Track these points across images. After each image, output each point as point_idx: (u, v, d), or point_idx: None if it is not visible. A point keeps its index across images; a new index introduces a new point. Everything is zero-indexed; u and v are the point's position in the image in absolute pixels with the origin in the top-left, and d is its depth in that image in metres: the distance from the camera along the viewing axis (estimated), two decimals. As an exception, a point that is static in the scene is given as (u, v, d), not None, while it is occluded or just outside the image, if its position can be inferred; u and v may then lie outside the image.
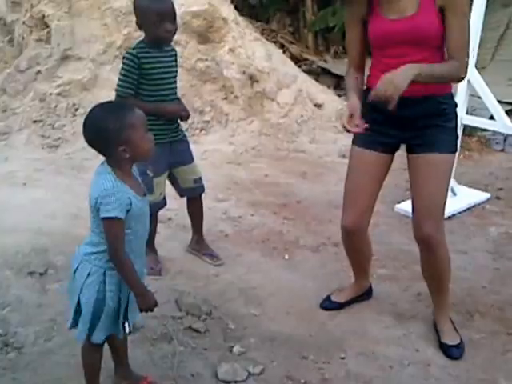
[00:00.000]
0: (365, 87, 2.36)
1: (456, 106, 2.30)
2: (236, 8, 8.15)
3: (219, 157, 4.57)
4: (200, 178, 2.96)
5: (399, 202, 3.83)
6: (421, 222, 2.30)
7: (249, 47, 5.46)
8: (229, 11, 5.53)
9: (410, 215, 3.71)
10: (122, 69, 2.59)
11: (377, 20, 2.19)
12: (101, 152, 1.74)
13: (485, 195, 4.07)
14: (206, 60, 5.28)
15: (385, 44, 2.19)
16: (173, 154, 2.79)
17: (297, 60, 7.69)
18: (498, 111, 3.63)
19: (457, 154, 3.84)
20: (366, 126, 2.15)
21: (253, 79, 5.35)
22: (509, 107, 5.95)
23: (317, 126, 5.26)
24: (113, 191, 1.66)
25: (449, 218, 3.68)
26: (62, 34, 5.02)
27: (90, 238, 1.75)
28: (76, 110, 4.90)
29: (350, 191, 2.45)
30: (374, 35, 2.22)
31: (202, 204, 3.04)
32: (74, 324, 1.79)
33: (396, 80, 2.00)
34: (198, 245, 3.10)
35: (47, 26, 4.99)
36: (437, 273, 2.44)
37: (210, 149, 4.70)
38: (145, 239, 1.87)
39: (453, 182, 3.98)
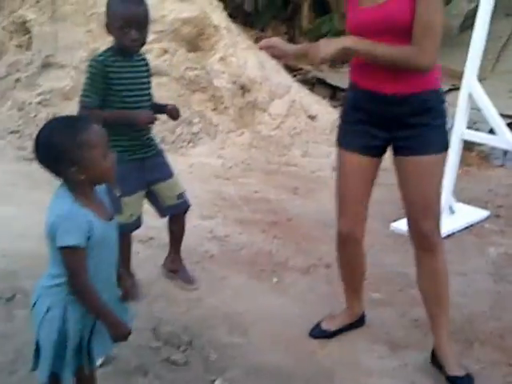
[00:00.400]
0: (348, 84, 2.31)
1: (443, 101, 2.21)
2: (230, 15, 8.11)
3: (207, 171, 4.45)
4: (183, 193, 2.78)
5: (395, 220, 3.71)
6: (418, 220, 2.24)
7: (241, 56, 5.36)
8: (220, 18, 5.43)
9: (405, 234, 3.67)
10: (87, 77, 2.43)
11: (352, 10, 2.15)
12: (53, 173, 1.61)
13: (484, 213, 3.97)
14: (196, 69, 5.18)
15: (361, 34, 2.10)
16: (147, 170, 2.63)
17: (291, 69, 7.59)
18: (500, 126, 3.53)
19: (456, 167, 3.81)
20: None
21: (244, 89, 5.24)
22: (510, 120, 5.87)
23: (310, 138, 5.15)
24: (69, 216, 1.53)
25: (447, 236, 3.56)
26: (44, 39, 4.92)
27: (49, 269, 1.62)
28: (58, 119, 4.79)
29: (341, 197, 2.40)
30: (349, 25, 2.17)
31: (184, 222, 2.89)
32: (35, 366, 1.65)
33: (322, 46, 2.04)
34: (174, 264, 2.95)
35: (28, 32, 4.89)
36: (434, 281, 2.34)
37: (198, 162, 4.58)
38: (114, 266, 1.74)
39: (451, 200, 3.88)
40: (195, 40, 5.22)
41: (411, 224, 2.28)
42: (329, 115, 5.49)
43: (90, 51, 5.20)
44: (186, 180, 4.21)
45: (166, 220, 3.53)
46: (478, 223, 3.85)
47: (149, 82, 2.62)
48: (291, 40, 8.06)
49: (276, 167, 4.69)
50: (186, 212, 2.85)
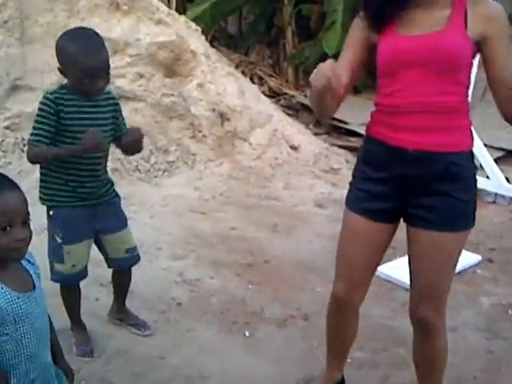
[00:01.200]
0: (364, 137, 2.01)
1: (476, 170, 1.90)
2: (214, 37, 7.96)
3: (182, 204, 4.20)
4: (134, 248, 2.54)
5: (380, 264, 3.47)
6: (419, 303, 1.97)
7: (220, 83, 5.15)
8: (198, 43, 5.23)
9: (393, 280, 3.45)
10: (37, 115, 2.21)
11: (390, 37, 1.84)
12: None
13: (476, 258, 3.74)
14: (173, 95, 4.96)
15: (395, 66, 1.82)
16: (98, 219, 2.39)
17: (276, 94, 7.44)
18: (493, 170, 3.33)
19: None
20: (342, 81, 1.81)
21: (223, 117, 5.03)
22: (499, 153, 5.70)
23: (292, 170, 4.93)
24: None
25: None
26: (12, 62, 4.68)
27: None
28: (24, 145, 4.52)
29: (343, 258, 2.08)
30: (384, 54, 1.84)
31: (130, 275, 2.64)
32: None
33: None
34: (121, 313, 2.71)
35: (-5, 54, 4.65)
36: (430, 360, 2.10)
37: (173, 194, 4.34)
38: (44, 341, 1.49)
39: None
40: (172, 65, 5.01)
41: (411, 305, 2.01)
42: (312, 145, 5.29)
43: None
44: (159, 214, 4.03)
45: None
46: (469, 269, 3.62)
47: (112, 125, 2.36)
48: (275, 64, 7.92)
49: (255, 200, 4.45)
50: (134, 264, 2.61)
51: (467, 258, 3.73)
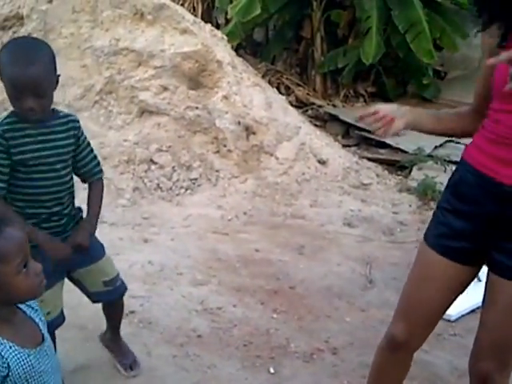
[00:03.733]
0: (460, 160, 1.80)
1: None
2: (239, 45, 7.84)
3: (204, 224, 4.07)
4: (114, 279, 2.28)
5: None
6: (482, 359, 1.78)
7: (246, 94, 5.01)
8: (224, 53, 5.11)
9: (452, 319, 3.20)
10: None
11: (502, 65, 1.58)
12: None
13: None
14: (197, 108, 4.84)
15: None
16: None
17: (303, 104, 7.29)
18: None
19: None
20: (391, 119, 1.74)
21: (249, 131, 4.89)
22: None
23: (320, 186, 4.77)
24: None
25: (472, 311, 3.14)
26: (34, 76, 4.61)
27: None
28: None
29: (408, 300, 1.90)
30: (504, 72, 1.55)
31: (122, 305, 2.43)
32: None
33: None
34: (114, 344, 2.53)
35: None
36: None
37: (195, 213, 4.21)
38: None
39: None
40: (197, 76, 4.90)
41: (473, 358, 1.82)
42: (341, 159, 5.12)
43: (85, 88, 4.92)
44: (180, 235, 3.91)
45: (152, 288, 3.21)
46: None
47: (72, 155, 2.08)
48: (303, 73, 7.76)
49: (281, 220, 4.30)
50: (121, 297, 2.39)
51: None
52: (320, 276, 3.51)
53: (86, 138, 2.12)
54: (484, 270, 3.53)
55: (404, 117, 1.78)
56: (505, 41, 1.63)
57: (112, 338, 2.54)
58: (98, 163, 2.19)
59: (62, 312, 2.21)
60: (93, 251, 2.21)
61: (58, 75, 1.99)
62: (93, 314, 2.70)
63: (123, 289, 2.37)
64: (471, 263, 1.78)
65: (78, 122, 2.11)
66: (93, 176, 2.18)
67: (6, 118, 1.98)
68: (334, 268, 3.62)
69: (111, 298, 2.35)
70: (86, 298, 2.37)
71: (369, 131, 6.39)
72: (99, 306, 2.45)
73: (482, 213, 1.68)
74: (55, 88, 1.98)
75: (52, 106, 2.04)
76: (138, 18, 5.03)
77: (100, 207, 2.19)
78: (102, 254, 2.27)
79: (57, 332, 2.22)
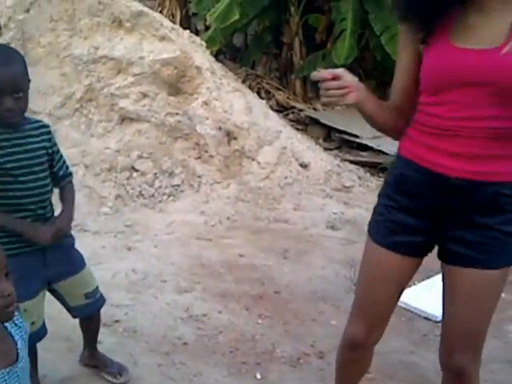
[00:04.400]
0: (396, 157, 1.77)
1: None
2: (219, 50, 7.83)
3: (187, 230, 4.04)
4: (95, 291, 2.27)
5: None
6: (455, 351, 1.77)
7: (226, 99, 4.99)
8: (203, 59, 5.09)
9: (412, 309, 3.26)
10: None
11: (441, 47, 1.57)
12: None
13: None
14: (177, 114, 4.81)
15: (445, 84, 1.58)
16: (49, 264, 2.10)
17: (284, 108, 7.30)
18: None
19: None
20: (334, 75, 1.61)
21: (230, 136, 4.87)
22: None
23: (302, 189, 4.76)
24: None
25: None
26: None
27: None
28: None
29: (363, 299, 1.90)
30: (433, 68, 1.59)
31: (98, 319, 2.40)
32: None
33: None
34: (94, 359, 2.49)
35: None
36: None
37: (178, 220, 4.17)
38: None
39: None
40: (176, 83, 4.87)
41: (443, 352, 1.81)
42: (322, 162, 5.11)
43: (65, 96, 4.87)
44: (163, 242, 3.86)
45: (136, 296, 3.17)
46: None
47: (48, 156, 2.08)
48: (282, 77, 7.77)
49: (264, 224, 4.28)
50: (98, 311, 2.37)
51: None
52: (304, 280, 3.49)
53: (56, 143, 2.14)
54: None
55: (358, 91, 1.66)
56: (427, 37, 1.61)
57: (91, 354, 2.50)
58: (68, 167, 2.22)
59: (44, 323, 2.18)
60: (74, 263, 2.20)
61: (29, 80, 1.99)
62: (76, 324, 2.66)
63: (102, 301, 2.35)
64: (418, 256, 1.78)
65: (49, 127, 2.13)
66: (65, 178, 2.19)
67: None
68: (318, 271, 3.61)
69: (91, 312, 2.33)
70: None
71: (350, 134, 6.42)
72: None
73: (430, 207, 1.66)
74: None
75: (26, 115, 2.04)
76: (117, 25, 4.99)
77: (74, 206, 2.19)
78: (82, 265, 2.24)
79: (40, 343, 2.19)
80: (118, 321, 2.90)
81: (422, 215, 1.69)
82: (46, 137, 2.07)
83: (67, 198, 2.18)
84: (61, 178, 2.17)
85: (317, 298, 3.30)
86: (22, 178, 1.99)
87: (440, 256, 1.76)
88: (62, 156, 2.17)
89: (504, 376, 2.69)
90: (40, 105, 4.75)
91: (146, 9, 5.12)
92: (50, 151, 2.09)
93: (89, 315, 2.35)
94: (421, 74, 1.64)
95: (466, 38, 1.55)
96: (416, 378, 2.62)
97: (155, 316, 2.98)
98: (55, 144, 2.13)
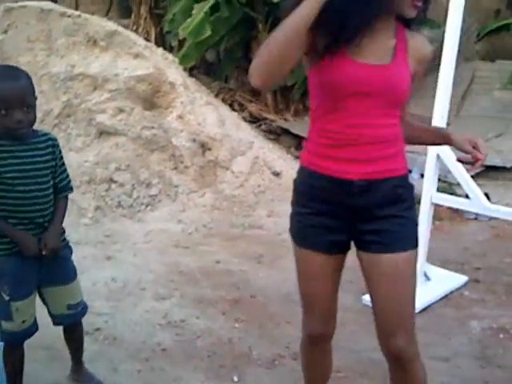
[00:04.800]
0: (301, 170, 1.82)
1: (413, 188, 1.81)
2: (194, 66, 7.77)
3: (165, 239, 3.98)
4: (78, 303, 2.23)
5: (366, 292, 3.25)
6: (390, 335, 1.78)
7: (199, 113, 4.95)
8: (176, 74, 5.04)
9: None
10: None
11: (340, 61, 1.62)
12: None
13: (462, 278, 3.55)
14: (153, 127, 4.75)
15: (340, 93, 1.64)
16: (42, 268, 2.10)
17: (256, 119, 7.26)
18: (473, 189, 3.15)
19: (428, 232, 3.42)
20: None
21: (204, 147, 4.82)
22: (477, 169, 5.54)
23: (275, 196, 4.73)
24: None
25: (423, 310, 3.14)
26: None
27: None
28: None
29: (307, 298, 1.93)
30: (330, 77, 1.63)
31: (81, 330, 2.35)
32: None
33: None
34: (77, 374, 2.42)
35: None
36: None
37: (156, 229, 4.11)
38: None
39: (426, 265, 3.47)
40: (151, 98, 4.81)
41: (382, 340, 1.82)
42: (293, 171, 5.04)
43: (44, 112, 4.77)
44: (142, 251, 3.80)
45: (117, 305, 3.09)
46: (456, 291, 3.43)
47: (52, 168, 2.09)
48: (254, 90, 7.74)
49: (239, 231, 4.24)
50: (80, 321, 2.33)
51: (453, 280, 3.55)
52: (279, 283, 3.45)
53: (62, 157, 2.14)
54: (430, 267, 3.54)
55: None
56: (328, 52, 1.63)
57: (75, 369, 2.42)
58: (69, 181, 2.19)
59: (35, 320, 2.17)
60: (66, 274, 2.19)
61: (36, 97, 2.02)
62: (59, 334, 2.58)
63: (82, 314, 2.29)
64: (344, 251, 1.85)
65: (56, 140, 2.13)
66: (62, 191, 2.16)
67: None
68: (291, 275, 3.49)
69: (70, 322, 2.28)
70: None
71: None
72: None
73: (341, 208, 1.74)
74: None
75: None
76: (92, 44, 4.92)
77: (61, 220, 2.16)
78: (73, 278, 2.22)
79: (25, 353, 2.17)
80: (98, 329, 2.83)
81: (336, 216, 1.76)
82: (51, 149, 2.08)
83: (56, 213, 2.13)
84: (59, 190, 2.14)
85: (291, 300, 3.25)
86: (20, 188, 1.99)
87: (359, 248, 1.82)
88: (65, 170, 2.16)
89: (470, 371, 2.67)
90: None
91: (119, 28, 5.06)
92: (53, 163, 2.09)
93: (68, 324, 2.30)
94: (317, 80, 1.70)
95: (362, 56, 1.63)
96: (385, 375, 2.54)
97: (135, 323, 2.91)
98: (60, 157, 2.12)
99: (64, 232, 2.20)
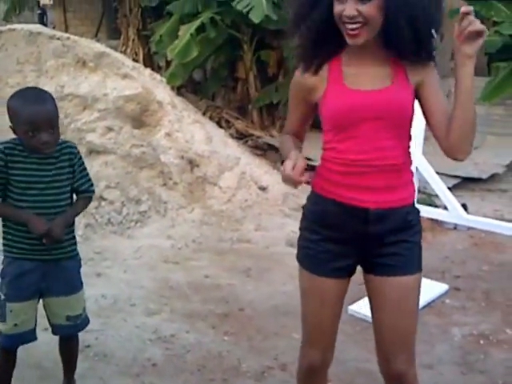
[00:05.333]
0: (313, 195, 1.80)
1: (419, 212, 1.80)
2: (181, 85, 7.78)
3: (155, 254, 3.94)
4: (78, 316, 2.19)
5: (352, 302, 3.25)
6: (392, 357, 1.77)
7: (187, 130, 4.94)
8: (164, 94, 5.04)
9: (366, 318, 3.22)
10: None
11: (339, 90, 1.66)
12: None
13: (443, 287, 3.55)
14: (142, 145, 4.73)
15: (349, 122, 1.66)
16: (45, 277, 2.08)
17: (243, 136, 7.27)
18: (450, 200, 3.16)
19: None
20: (311, 175, 1.68)
21: (193, 164, 4.81)
22: (454, 181, 5.58)
23: (262, 210, 4.71)
24: None
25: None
26: (-19, 125, 4.40)
27: None
28: None
29: (311, 327, 1.88)
30: (336, 109, 1.66)
31: (77, 343, 2.31)
32: None
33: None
34: None
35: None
36: None
37: (146, 245, 4.07)
38: None
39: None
40: (140, 116, 4.79)
41: (382, 360, 1.81)
42: (280, 185, 5.07)
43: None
44: (132, 267, 3.75)
45: (107, 321, 3.05)
46: (437, 299, 3.43)
47: (69, 179, 2.10)
48: (241, 107, 7.77)
49: (228, 245, 4.21)
50: (76, 335, 2.29)
51: (435, 288, 3.54)
52: (267, 296, 3.42)
53: (82, 163, 2.15)
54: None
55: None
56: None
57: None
58: (91, 185, 2.21)
59: (32, 330, 2.13)
60: (69, 285, 2.16)
61: (58, 116, 2.07)
62: (48, 352, 2.54)
63: (81, 327, 2.26)
64: (346, 276, 1.81)
65: (75, 148, 2.15)
66: (82, 193, 2.19)
67: (12, 140, 2.04)
68: (279, 287, 3.55)
69: (67, 333, 2.24)
70: (40, 337, 2.22)
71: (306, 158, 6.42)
72: (54, 343, 2.31)
73: (352, 234, 1.73)
74: None
75: None
76: (81, 65, 4.91)
77: (79, 211, 2.20)
78: (76, 289, 2.18)
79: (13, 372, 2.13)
80: (88, 346, 2.78)
81: (346, 242, 1.75)
82: (67, 157, 2.08)
83: (73, 205, 2.16)
84: (80, 192, 2.17)
85: (279, 312, 3.23)
86: (30, 191, 2.02)
87: (367, 271, 1.80)
88: (85, 175, 2.17)
89: (453, 377, 2.67)
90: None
91: (108, 49, 5.05)
92: (70, 169, 2.10)
93: (65, 336, 2.26)
94: (323, 115, 1.72)
95: (358, 83, 1.65)
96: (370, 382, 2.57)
97: (125, 339, 2.87)
98: (79, 164, 2.13)
99: (74, 237, 2.18)
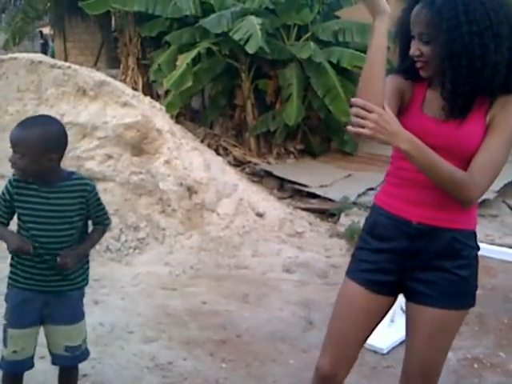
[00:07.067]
0: (372, 207, 1.85)
1: (477, 248, 1.71)
2: (179, 113, 7.85)
3: (153, 281, 3.91)
4: (77, 347, 2.13)
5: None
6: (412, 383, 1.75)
7: (185, 158, 4.96)
8: (163, 122, 5.06)
9: (380, 351, 3.14)
10: None
11: (414, 114, 1.69)
12: None
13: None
14: (141, 173, 4.74)
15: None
16: (47, 304, 2.06)
17: (240, 163, 7.31)
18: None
19: None
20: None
21: (191, 190, 4.81)
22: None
23: (259, 236, 4.70)
24: None
25: (401, 343, 3.09)
26: (-18, 152, 4.41)
27: None
28: None
29: (333, 333, 1.84)
30: (409, 127, 1.62)
31: (76, 375, 2.26)
32: None
33: (389, 127, 1.51)
34: None
35: (-37, 146, 4.37)
36: None
37: (144, 271, 4.04)
38: None
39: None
40: (139, 144, 4.82)
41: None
42: (276, 211, 5.09)
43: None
44: (130, 294, 3.72)
45: (105, 349, 3.01)
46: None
47: (78, 211, 2.04)
48: (238, 135, 7.83)
49: (226, 271, 4.19)
50: (76, 366, 2.24)
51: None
52: (264, 322, 3.39)
53: (97, 199, 2.09)
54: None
55: None
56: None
57: None
58: (107, 218, 2.17)
59: (30, 358, 2.09)
60: (70, 314, 2.12)
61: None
62: (44, 380, 2.50)
63: (81, 359, 2.21)
64: (390, 294, 1.78)
65: (91, 186, 2.08)
66: (97, 225, 2.17)
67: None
68: (276, 313, 3.53)
69: (65, 364, 2.19)
70: (37, 364, 2.18)
71: (301, 184, 6.45)
72: (51, 371, 2.28)
73: (397, 248, 1.72)
74: None
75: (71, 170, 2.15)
76: (81, 94, 4.94)
77: (95, 243, 2.18)
78: (77, 321, 2.15)
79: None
80: (85, 375, 2.72)
81: (390, 256, 1.73)
82: (80, 194, 2.02)
83: (88, 237, 2.13)
84: (95, 223, 2.15)
85: (276, 338, 3.20)
86: (29, 225, 1.99)
87: (405, 295, 1.77)
88: (101, 209, 2.12)
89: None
90: (8, 170, 4.60)
91: (108, 78, 5.10)
92: (83, 206, 2.03)
93: (64, 367, 2.21)
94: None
95: (431, 108, 1.68)
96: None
97: (122, 367, 2.83)
98: (94, 199, 2.07)
99: (88, 268, 2.16)
